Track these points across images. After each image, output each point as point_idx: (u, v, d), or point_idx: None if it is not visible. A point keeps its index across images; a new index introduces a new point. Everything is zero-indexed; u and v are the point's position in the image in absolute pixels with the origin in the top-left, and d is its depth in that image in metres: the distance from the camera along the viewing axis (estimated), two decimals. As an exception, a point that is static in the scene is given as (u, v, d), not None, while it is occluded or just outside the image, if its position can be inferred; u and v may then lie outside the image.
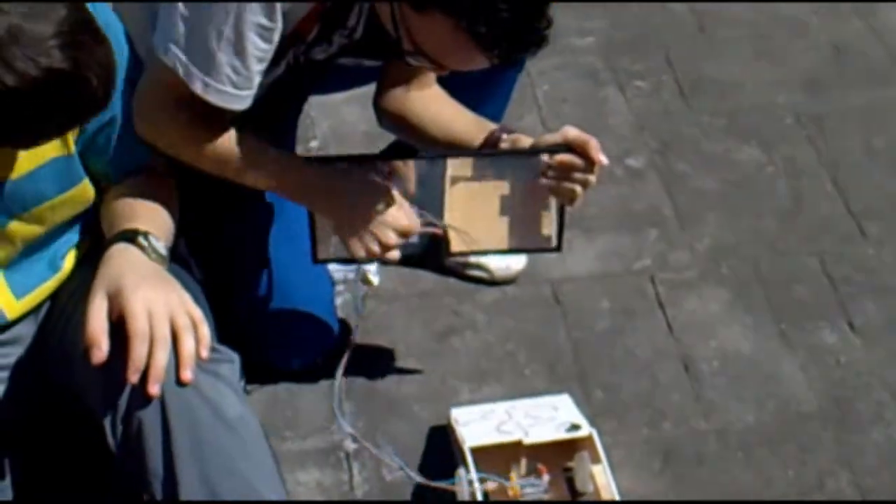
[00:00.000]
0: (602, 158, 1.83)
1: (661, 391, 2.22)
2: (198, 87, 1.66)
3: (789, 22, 3.15)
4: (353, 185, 1.81)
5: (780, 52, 3.06)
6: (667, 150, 2.75)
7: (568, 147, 1.83)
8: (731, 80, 2.96)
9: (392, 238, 1.81)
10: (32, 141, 1.42)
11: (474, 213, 1.93)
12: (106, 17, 1.58)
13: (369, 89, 2.09)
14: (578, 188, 1.85)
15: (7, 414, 1.71)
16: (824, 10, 3.19)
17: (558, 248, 2.01)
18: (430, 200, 1.89)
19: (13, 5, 1.28)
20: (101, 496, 1.93)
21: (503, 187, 1.94)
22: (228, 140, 1.75)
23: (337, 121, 2.74)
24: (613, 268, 2.47)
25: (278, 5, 1.62)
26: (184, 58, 1.64)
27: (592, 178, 1.85)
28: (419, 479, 1.94)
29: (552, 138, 1.86)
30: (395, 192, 1.81)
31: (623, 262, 2.48)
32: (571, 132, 1.84)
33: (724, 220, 2.58)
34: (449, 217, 1.91)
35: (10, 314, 1.68)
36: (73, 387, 1.66)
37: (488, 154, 1.92)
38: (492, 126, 1.94)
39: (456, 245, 1.95)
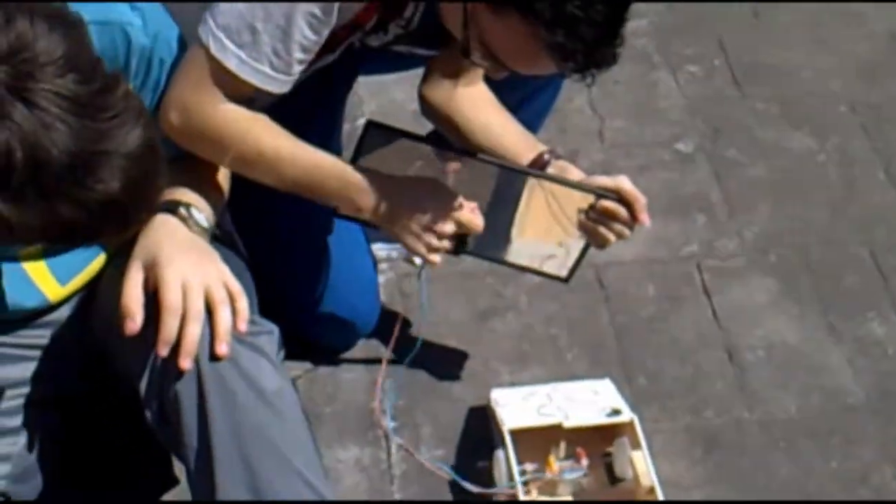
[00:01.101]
0: (646, 220, 1.83)
1: (704, 379, 2.20)
2: (232, 63, 1.61)
3: (845, 9, 3.10)
4: (407, 184, 1.78)
5: (836, 40, 3.01)
6: (717, 136, 2.72)
7: (617, 195, 1.82)
8: (785, 66, 2.92)
9: (449, 228, 1.77)
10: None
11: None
12: (160, 21, 1.57)
13: (419, 70, 2.08)
14: (613, 237, 1.85)
15: (44, 391, 1.71)
16: (882, -2, 3.14)
17: (567, 280, 2.01)
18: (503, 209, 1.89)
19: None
20: (137, 478, 1.93)
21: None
22: (265, 135, 1.71)
23: (385, 100, 2.72)
24: (659, 253, 2.44)
25: (336, 3, 1.59)
26: (220, 33, 1.60)
27: (629, 232, 1.86)
28: (462, 481, 1.93)
29: (605, 181, 1.84)
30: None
31: (669, 247, 2.46)
32: (626, 184, 1.83)
33: (774, 208, 2.55)
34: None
35: (54, 298, 1.67)
36: (112, 361, 1.66)
37: (543, 176, 1.87)
38: (540, 147, 1.92)
39: (476, 246, 1.93)
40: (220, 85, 1.65)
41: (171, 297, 1.47)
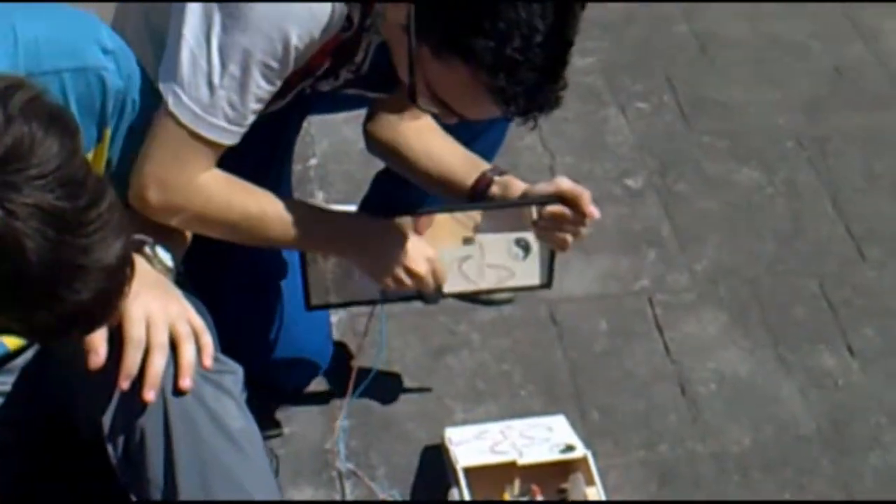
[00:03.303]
0: (594, 211, 1.81)
1: (657, 413, 2.21)
2: (186, 118, 1.61)
3: (790, 45, 3.15)
4: (380, 229, 1.81)
5: (782, 75, 3.05)
6: (666, 171, 2.74)
7: (560, 198, 1.82)
8: (733, 101, 2.96)
9: (423, 267, 1.81)
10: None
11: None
12: (130, 62, 1.57)
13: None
14: (570, 238, 1.85)
15: (4, 437, 1.69)
16: (825, 34, 3.18)
17: (548, 285, 2.01)
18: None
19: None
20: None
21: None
22: (248, 199, 1.72)
23: (336, 139, 2.73)
24: (611, 288, 2.46)
25: (292, 49, 1.59)
26: (177, 87, 1.60)
27: (584, 230, 1.85)
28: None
29: (545, 188, 1.84)
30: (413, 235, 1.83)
31: (621, 282, 2.47)
32: (565, 184, 1.82)
33: (724, 242, 2.57)
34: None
35: (13, 347, 1.66)
36: (74, 402, 1.65)
37: (485, 206, 1.89)
38: (484, 165, 1.92)
39: (452, 284, 1.93)
40: (190, 152, 1.64)
41: (135, 331, 1.46)
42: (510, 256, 1.97)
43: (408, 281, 1.81)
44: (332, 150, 2.72)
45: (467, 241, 1.92)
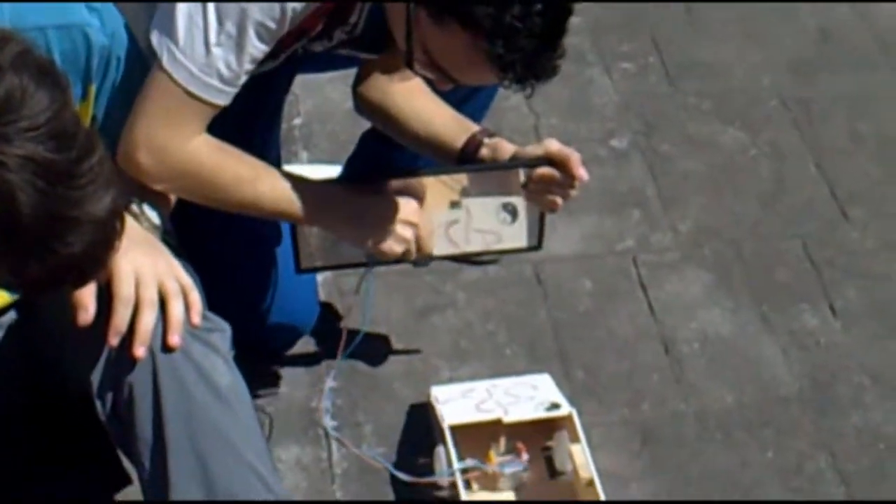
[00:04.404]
0: (583, 174, 1.82)
1: (641, 372, 2.23)
2: (181, 76, 1.60)
3: (777, 6, 3.14)
4: (365, 197, 1.81)
5: (767, 36, 3.05)
6: (651, 132, 2.75)
7: (549, 160, 1.83)
8: (718, 62, 2.96)
9: (410, 234, 1.81)
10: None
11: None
12: (115, 19, 1.57)
13: (353, 69, 2.08)
14: (559, 199, 1.85)
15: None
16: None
17: (538, 247, 2.02)
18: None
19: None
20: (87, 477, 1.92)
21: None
22: (240, 165, 1.72)
23: (321, 99, 2.73)
24: (595, 249, 2.47)
25: (289, 10, 1.59)
26: (172, 45, 1.59)
27: (573, 192, 1.85)
28: (403, 476, 1.92)
29: (534, 150, 1.85)
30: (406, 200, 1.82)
31: (605, 243, 2.48)
32: (553, 146, 1.83)
33: (707, 203, 2.58)
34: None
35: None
36: (63, 360, 1.65)
37: (474, 168, 1.90)
38: (474, 127, 1.92)
39: (439, 248, 1.94)
40: (183, 113, 1.63)
41: (124, 288, 1.47)
42: (498, 221, 1.97)
43: (395, 248, 1.82)
44: (317, 110, 2.72)
45: (454, 204, 1.93)
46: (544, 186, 1.84)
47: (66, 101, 1.19)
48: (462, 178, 1.91)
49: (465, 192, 1.92)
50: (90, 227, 1.20)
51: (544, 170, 1.83)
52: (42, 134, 1.15)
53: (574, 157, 1.81)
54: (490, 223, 1.97)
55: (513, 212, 1.99)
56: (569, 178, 1.82)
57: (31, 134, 1.14)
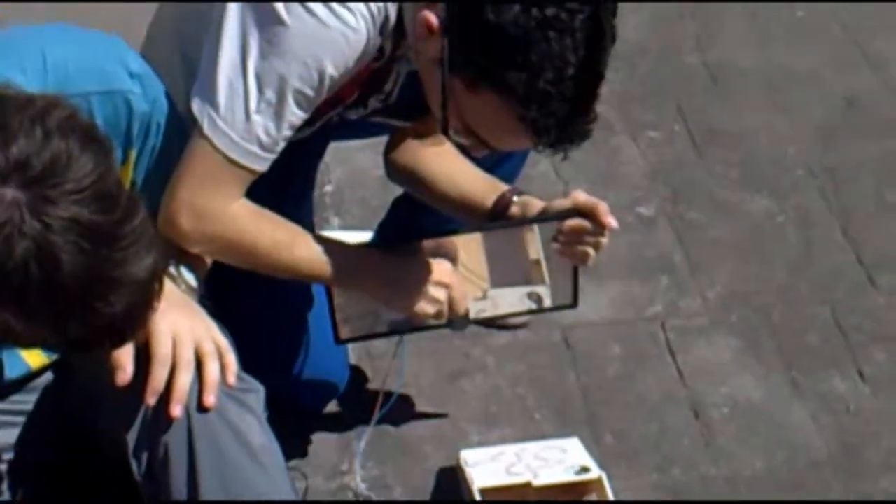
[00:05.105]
0: (612, 222, 1.84)
1: (670, 437, 2.23)
2: (222, 143, 1.63)
3: (801, 74, 3.17)
4: (403, 262, 1.84)
5: (792, 104, 3.08)
6: (678, 199, 2.77)
7: (578, 212, 1.85)
8: (743, 130, 2.98)
9: (443, 295, 1.83)
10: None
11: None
12: (156, 86, 1.61)
13: (384, 136, 2.11)
14: (591, 250, 1.87)
15: (26, 456, 1.72)
16: (836, 63, 3.21)
17: (574, 305, 2.03)
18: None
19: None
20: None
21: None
22: (278, 230, 1.74)
23: (351, 166, 2.76)
24: (624, 314, 2.48)
25: (327, 77, 1.61)
26: (213, 111, 1.62)
27: (604, 240, 1.86)
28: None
29: (562, 203, 1.87)
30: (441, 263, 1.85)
31: (634, 308, 2.49)
32: (581, 197, 1.85)
33: (735, 269, 2.59)
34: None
35: (35, 365, 1.69)
36: (98, 421, 1.67)
37: (505, 225, 1.93)
38: (503, 187, 1.95)
39: (473, 310, 1.96)
40: (224, 178, 1.66)
41: (162, 348, 1.49)
42: (524, 307, 2.03)
43: (428, 309, 1.84)
44: (347, 177, 2.75)
45: (480, 298, 1.96)
46: (575, 238, 1.86)
47: (109, 164, 1.22)
48: (483, 276, 1.94)
49: (487, 287, 1.96)
50: (131, 287, 1.22)
51: (574, 221, 1.85)
52: (87, 196, 1.18)
53: (602, 206, 1.83)
54: (517, 308, 2.02)
55: (538, 300, 2.01)
56: (598, 227, 1.84)
57: (76, 196, 1.17)
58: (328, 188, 2.72)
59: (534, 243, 1.96)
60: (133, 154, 1.61)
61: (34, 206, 1.15)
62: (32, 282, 1.16)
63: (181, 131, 1.67)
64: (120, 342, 1.33)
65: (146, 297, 1.26)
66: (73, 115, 1.22)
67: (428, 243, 1.87)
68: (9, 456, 1.69)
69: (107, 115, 1.54)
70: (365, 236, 2.41)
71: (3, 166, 1.15)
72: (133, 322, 1.27)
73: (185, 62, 1.77)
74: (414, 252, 1.86)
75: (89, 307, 1.20)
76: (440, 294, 1.82)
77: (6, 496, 1.69)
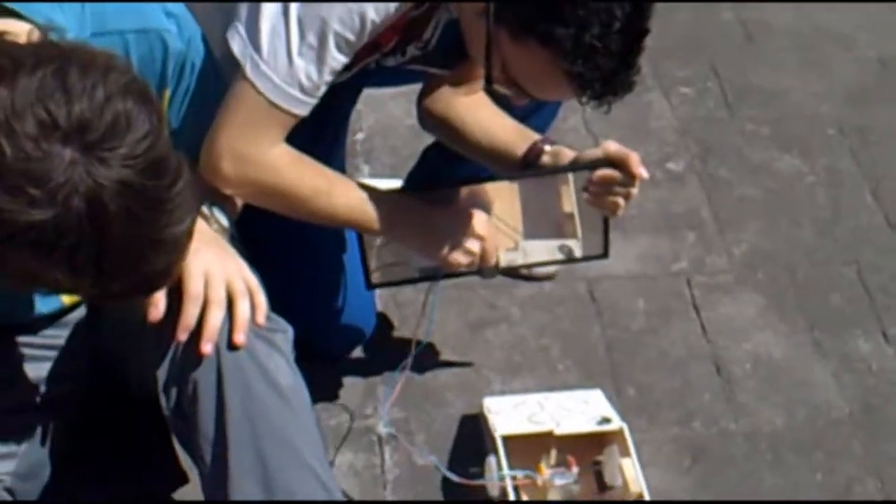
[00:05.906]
0: (643, 172, 1.84)
1: (692, 392, 2.24)
2: (265, 87, 1.63)
3: (836, 35, 3.16)
4: (440, 211, 1.85)
5: (826, 64, 3.07)
6: (708, 156, 2.77)
7: (609, 162, 1.85)
8: (776, 89, 2.98)
9: (477, 247, 1.85)
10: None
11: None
12: (191, 26, 1.62)
13: (417, 84, 2.12)
14: (621, 200, 1.87)
15: (58, 390, 1.75)
16: (871, 26, 3.20)
17: (605, 255, 2.04)
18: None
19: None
20: (146, 475, 1.97)
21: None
22: (318, 175, 1.76)
23: (383, 114, 2.77)
24: (650, 269, 2.49)
25: (368, 22, 1.62)
26: (256, 56, 1.62)
27: (634, 190, 1.87)
28: (453, 476, 1.94)
29: (593, 153, 1.87)
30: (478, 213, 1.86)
31: (660, 263, 2.51)
32: (612, 147, 1.85)
33: (763, 227, 2.60)
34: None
35: (68, 302, 1.72)
36: (128, 357, 1.69)
37: (536, 174, 1.94)
38: (535, 136, 1.95)
39: (504, 259, 1.98)
40: (266, 122, 1.67)
41: (194, 286, 1.51)
42: (554, 258, 2.05)
43: (462, 259, 1.85)
44: (379, 125, 2.76)
45: (510, 250, 1.98)
46: (605, 188, 1.86)
47: (161, 126, 1.24)
48: (518, 226, 1.95)
49: (524, 236, 1.98)
50: (171, 247, 1.26)
51: (605, 171, 1.85)
52: (140, 161, 1.19)
53: (633, 157, 1.84)
54: (548, 258, 2.04)
55: (568, 253, 2.03)
56: (629, 177, 1.84)
57: (131, 161, 1.19)
58: (359, 136, 2.74)
59: (568, 196, 1.97)
60: (167, 93, 1.62)
61: (91, 169, 1.17)
62: (84, 242, 1.18)
63: (217, 75, 1.68)
64: (150, 293, 1.37)
65: (180, 254, 1.29)
66: (132, 77, 1.23)
67: (464, 191, 1.88)
68: (39, 389, 1.72)
69: (142, 53, 1.55)
70: (395, 184, 2.42)
71: (66, 126, 1.16)
72: (169, 276, 1.30)
73: (221, 8, 1.78)
74: (451, 199, 1.87)
75: (133, 266, 1.23)
76: (474, 246, 1.83)
77: (38, 430, 1.72)
